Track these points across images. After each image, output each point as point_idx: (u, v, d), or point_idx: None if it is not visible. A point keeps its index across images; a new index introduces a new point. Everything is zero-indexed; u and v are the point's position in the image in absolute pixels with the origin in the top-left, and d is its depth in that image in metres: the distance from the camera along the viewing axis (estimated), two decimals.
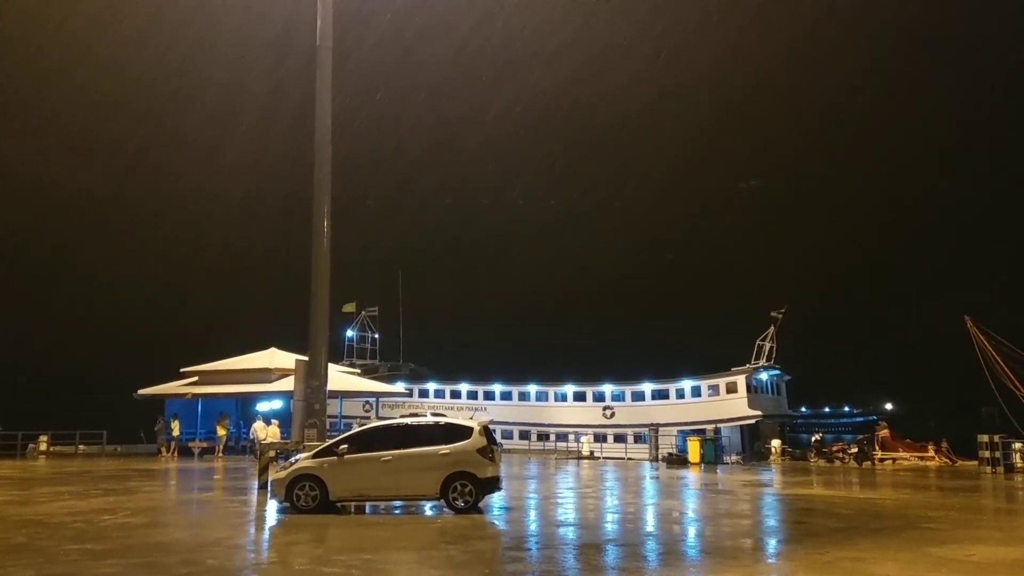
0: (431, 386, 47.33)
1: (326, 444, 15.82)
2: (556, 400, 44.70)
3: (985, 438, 27.15)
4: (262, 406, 35.21)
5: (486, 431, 15.40)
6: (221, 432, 34.03)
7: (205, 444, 34.94)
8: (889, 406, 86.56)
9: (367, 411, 42.29)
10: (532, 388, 45.59)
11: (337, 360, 41.34)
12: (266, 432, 28.39)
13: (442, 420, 16.82)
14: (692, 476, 25.75)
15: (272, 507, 15.46)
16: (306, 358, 20.26)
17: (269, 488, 15.79)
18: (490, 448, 15.05)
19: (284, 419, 28.33)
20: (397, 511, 15.48)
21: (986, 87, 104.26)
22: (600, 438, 40.83)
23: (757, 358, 39.88)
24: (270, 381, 33.87)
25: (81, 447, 35.86)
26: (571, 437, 40.70)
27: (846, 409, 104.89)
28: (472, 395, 46.40)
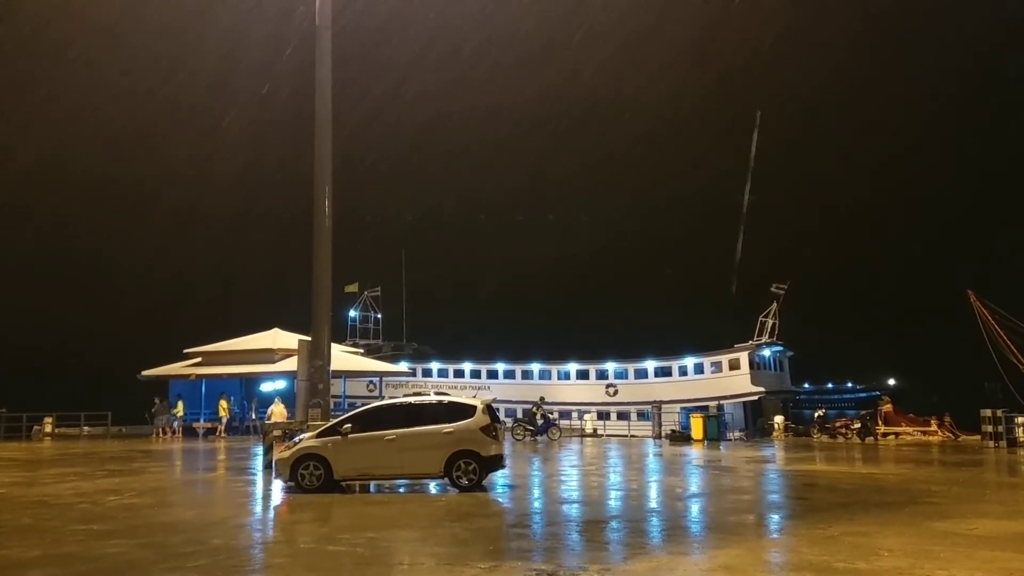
0: (434, 365, 47.37)
1: (330, 424, 15.85)
2: (559, 378, 44.72)
3: (988, 412, 27.21)
4: (266, 386, 35.29)
5: (489, 409, 15.43)
6: (223, 412, 34.23)
7: (209, 424, 35.16)
8: (892, 381, 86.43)
9: (371, 391, 42.40)
10: (535, 366, 45.60)
11: (340, 340, 41.34)
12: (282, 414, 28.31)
13: (445, 399, 16.85)
14: (695, 453, 25.84)
15: (277, 487, 15.53)
16: (309, 338, 20.27)
17: (273, 468, 15.85)
18: (493, 426, 15.09)
19: (288, 399, 28.37)
20: (401, 490, 15.55)
21: (987, 45, 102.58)
22: (603, 416, 40.92)
23: (760, 334, 39.84)
24: (273, 361, 33.95)
25: (86, 429, 36.05)
26: (574, 415, 40.77)
27: (849, 385, 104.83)
28: (475, 374, 46.45)
